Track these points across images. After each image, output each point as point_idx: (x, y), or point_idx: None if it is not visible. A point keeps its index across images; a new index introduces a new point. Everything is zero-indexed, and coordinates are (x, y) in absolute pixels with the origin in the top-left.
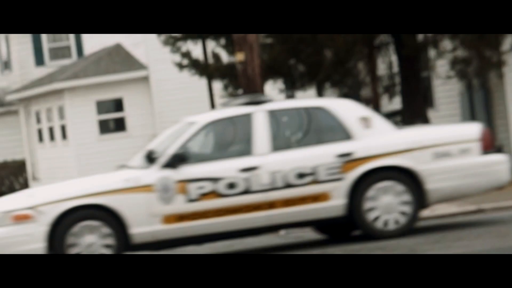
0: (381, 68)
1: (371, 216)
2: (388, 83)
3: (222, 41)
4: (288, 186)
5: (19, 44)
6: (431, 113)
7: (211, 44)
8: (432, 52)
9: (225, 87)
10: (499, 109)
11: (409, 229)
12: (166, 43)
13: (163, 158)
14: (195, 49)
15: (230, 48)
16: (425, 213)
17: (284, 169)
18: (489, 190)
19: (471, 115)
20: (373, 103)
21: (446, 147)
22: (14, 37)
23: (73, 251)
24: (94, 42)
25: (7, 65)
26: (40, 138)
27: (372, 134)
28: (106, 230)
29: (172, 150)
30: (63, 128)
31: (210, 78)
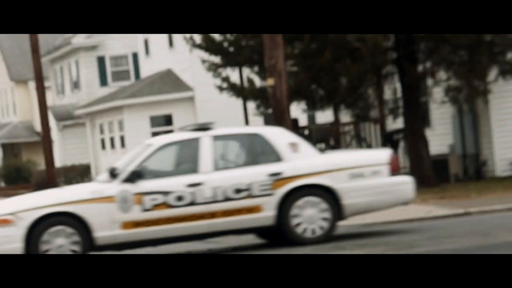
0: (387, 94)
1: (296, 225)
2: (392, 106)
3: (256, 68)
4: (227, 199)
5: (87, 68)
6: (428, 132)
7: (246, 71)
8: (429, 81)
9: (257, 107)
10: (484, 129)
11: (329, 236)
12: (209, 69)
13: (123, 174)
14: (233, 74)
15: (262, 74)
16: (421, 214)
17: (224, 185)
18: (396, 205)
19: (461, 134)
20: (380, 123)
21: (360, 169)
22: (82, 62)
23: (45, 250)
24: (149, 67)
25: (76, 85)
26: (103, 146)
27: (299, 157)
28: (73, 234)
29: (131, 167)
30: (122, 138)
31: (245, 99)
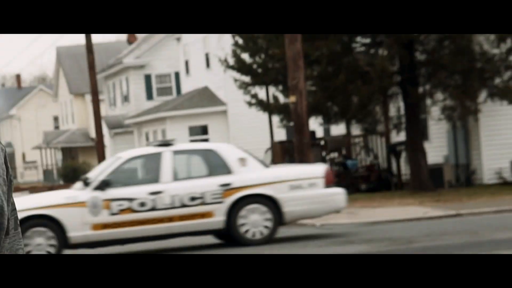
0: (392, 111)
1: (242, 229)
2: (396, 122)
3: (280, 87)
4: (183, 206)
5: (135, 84)
6: (426, 144)
7: (272, 89)
8: (428, 101)
9: (281, 120)
10: (475, 143)
11: (270, 239)
12: (240, 87)
13: (95, 183)
14: (260, 92)
15: (286, 92)
16: (419, 214)
17: (181, 194)
18: (329, 213)
19: (454, 147)
20: (386, 136)
21: (299, 181)
22: (132, 79)
23: (25, 249)
24: (189, 85)
25: (126, 98)
26: None
27: (247, 171)
28: (50, 234)
29: (101, 177)
30: None
31: (270, 114)
